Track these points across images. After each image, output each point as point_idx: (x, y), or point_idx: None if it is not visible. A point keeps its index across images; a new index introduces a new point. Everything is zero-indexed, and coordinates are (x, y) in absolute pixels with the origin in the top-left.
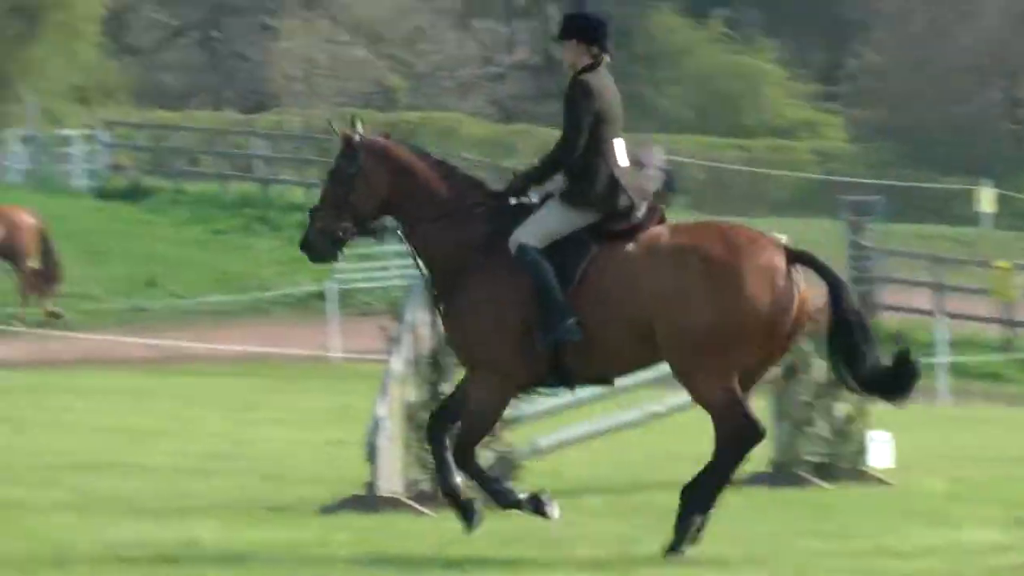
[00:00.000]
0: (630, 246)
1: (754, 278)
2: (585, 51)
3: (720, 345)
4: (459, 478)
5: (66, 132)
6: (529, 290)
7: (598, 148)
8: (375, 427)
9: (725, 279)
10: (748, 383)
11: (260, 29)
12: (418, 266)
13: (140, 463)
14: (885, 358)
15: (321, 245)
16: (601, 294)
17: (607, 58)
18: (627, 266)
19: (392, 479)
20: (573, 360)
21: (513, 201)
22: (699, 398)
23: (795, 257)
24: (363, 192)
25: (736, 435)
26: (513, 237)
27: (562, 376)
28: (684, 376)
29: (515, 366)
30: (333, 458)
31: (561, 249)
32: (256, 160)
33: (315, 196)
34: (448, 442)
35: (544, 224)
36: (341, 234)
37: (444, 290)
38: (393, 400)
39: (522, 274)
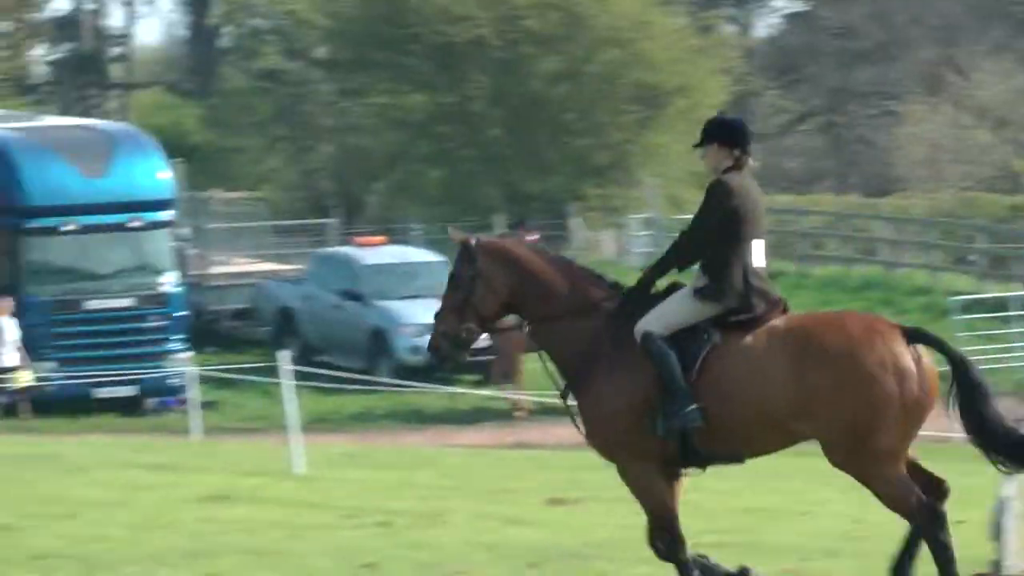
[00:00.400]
0: (749, 338)
1: (876, 368)
2: (727, 154)
3: (861, 438)
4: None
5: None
6: (654, 377)
7: (736, 247)
8: (1001, 506)
9: (847, 373)
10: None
11: (883, 114)
12: (543, 361)
13: (770, 542)
14: (1013, 427)
15: (446, 349)
16: (722, 383)
17: (750, 161)
18: (746, 357)
19: (1020, 556)
20: (700, 442)
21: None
22: (875, 488)
23: (914, 337)
24: (483, 294)
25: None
26: (639, 325)
27: (693, 458)
28: (848, 469)
29: (645, 448)
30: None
31: (683, 337)
32: (880, 243)
33: (939, 280)
34: None
35: (671, 314)
36: (464, 335)
37: (572, 384)
38: (1020, 480)
39: (647, 362)
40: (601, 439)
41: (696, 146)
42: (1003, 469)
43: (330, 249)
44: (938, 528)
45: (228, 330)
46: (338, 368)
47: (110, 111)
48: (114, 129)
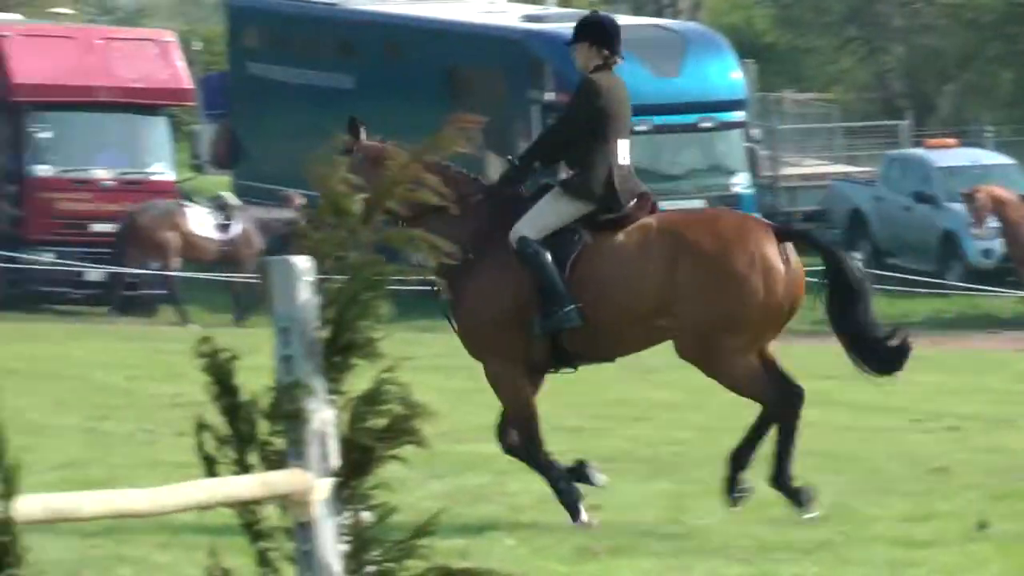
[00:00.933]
0: (620, 236)
1: (745, 266)
2: (596, 53)
3: (723, 333)
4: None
5: None
6: (528, 280)
7: (601, 145)
8: None
9: (717, 272)
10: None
11: None
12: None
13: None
14: (881, 330)
15: None
16: (593, 282)
17: (619, 60)
18: (618, 256)
19: None
20: (571, 343)
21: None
22: (722, 381)
23: (786, 235)
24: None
25: (771, 406)
26: (514, 230)
27: (564, 358)
28: (700, 364)
29: (516, 351)
30: None
31: (555, 239)
32: None
33: None
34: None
35: (542, 216)
36: None
37: (450, 283)
38: None
39: (520, 265)
40: (472, 338)
41: (567, 44)
42: (867, 373)
43: (902, 151)
44: (790, 412)
45: None
46: (908, 271)
47: (682, 10)
48: (686, 29)
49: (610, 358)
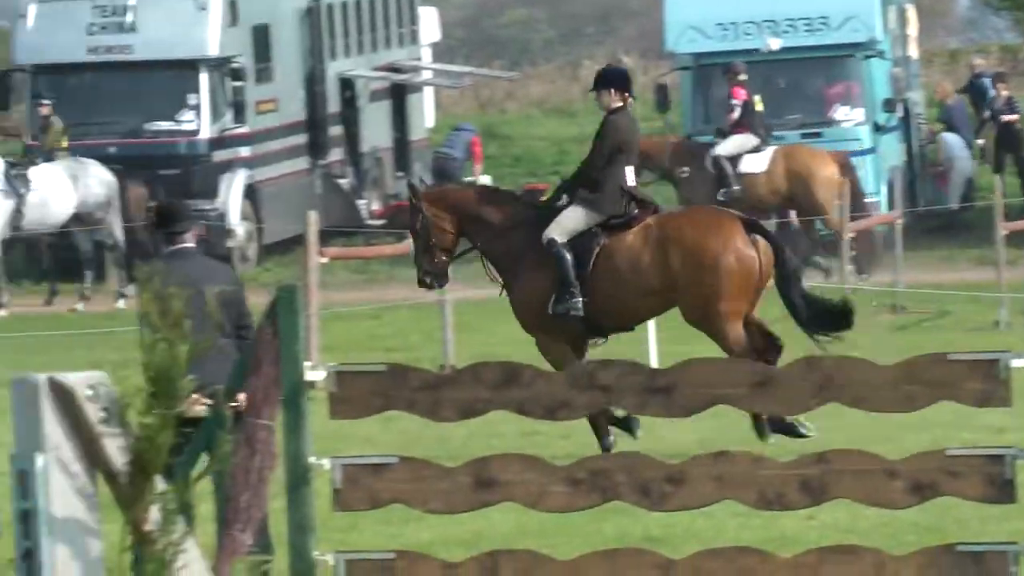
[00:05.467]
0: (629, 236)
1: (719, 250)
2: (618, 97)
3: (712, 299)
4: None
5: None
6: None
7: (615, 170)
8: None
9: (699, 255)
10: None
11: None
12: (484, 265)
13: None
14: (825, 302)
15: (431, 280)
16: (611, 271)
17: (632, 101)
18: (628, 250)
19: None
20: (597, 318)
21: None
22: (719, 343)
23: (751, 227)
24: (438, 233)
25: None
26: (545, 233)
27: (595, 330)
28: (700, 326)
29: (553, 326)
30: None
31: (579, 240)
32: None
33: None
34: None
35: (567, 222)
36: (440, 265)
37: (508, 280)
38: None
39: (552, 261)
40: (523, 318)
41: (591, 90)
42: (809, 334)
43: None
44: (771, 359)
45: None
46: None
47: None
48: None
49: (630, 327)
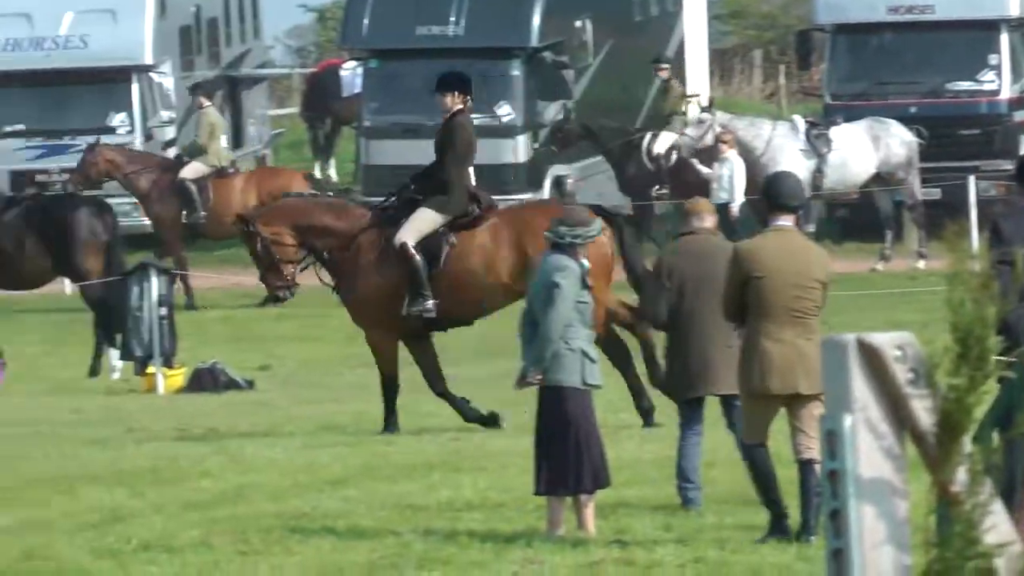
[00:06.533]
0: (479, 234)
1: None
2: (460, 100)
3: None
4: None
5: None
6: (401, 274)
7: (462, 171)
8: None
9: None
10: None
11: None
12: (316, 270)
13: None
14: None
15: (283, 294)
16: (461, 271)
17: (470, 102)
18: (478, 248)
19: None
20: (446, 314)
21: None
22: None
23: (598, 212)
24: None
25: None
26: (397, 237)
27: (434, 324)
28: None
29: (390, 324)
30: None
31: (430, 240)
32: None
33: None
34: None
35: (418, 224)
36: (291, 279)
37: (347, 280)
38: None
39: (398, 262)
40: (360, 316)
41: (432, 92)
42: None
43: None
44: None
45: None
46: None
47: None
48: None
49: (471, 322)
